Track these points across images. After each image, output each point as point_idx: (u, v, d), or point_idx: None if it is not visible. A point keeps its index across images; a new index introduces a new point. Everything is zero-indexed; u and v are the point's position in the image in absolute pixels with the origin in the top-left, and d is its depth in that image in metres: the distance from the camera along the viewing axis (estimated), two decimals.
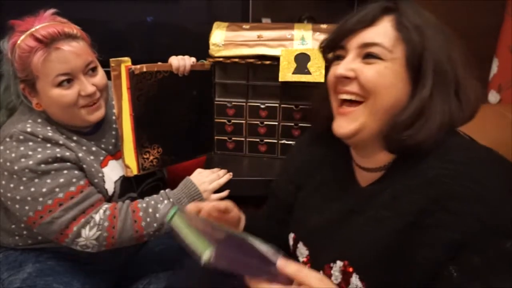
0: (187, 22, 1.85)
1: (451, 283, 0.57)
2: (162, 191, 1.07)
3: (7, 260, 1.07)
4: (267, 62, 1.18)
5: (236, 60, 1.19)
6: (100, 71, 1.03)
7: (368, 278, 0.67)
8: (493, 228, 0.55)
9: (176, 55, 1.14)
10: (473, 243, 0.56)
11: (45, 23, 0.95)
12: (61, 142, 0.98)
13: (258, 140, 1.28)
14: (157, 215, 1.01)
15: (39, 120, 1.00)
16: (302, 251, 0.82)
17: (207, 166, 1.19)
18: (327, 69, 0.77)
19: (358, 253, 0.69)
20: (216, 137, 1.29)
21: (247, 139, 1.28)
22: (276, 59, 1.16)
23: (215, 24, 1.25)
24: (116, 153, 1.11)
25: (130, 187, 1.11)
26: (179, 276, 0.98)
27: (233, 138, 1.28)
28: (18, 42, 0.94)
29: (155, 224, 1.01)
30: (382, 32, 0.66)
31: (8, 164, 0.94)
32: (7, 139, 0.95)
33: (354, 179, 0.77)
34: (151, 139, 1.11)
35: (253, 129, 1.26)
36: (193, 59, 1.16)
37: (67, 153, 0.98)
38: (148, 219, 1.01)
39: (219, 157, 1.29)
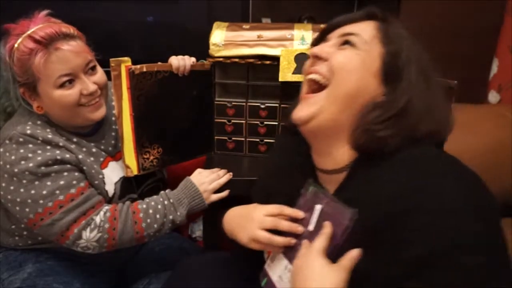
0: (187, 22, 1.85)
1: None
2: (162, 192, 1.07)
3: (7, 260, 1.07)
4: (267, 62, 1.18)
5: (236, 60, 1.19)
6: (99, 69, 1.03)
7: None
8: (456, 245, 0.54)
9: (176, 55, 1.14)
10: (436, 259, 0.54)
11: (40, 24, 0.95)
12: (61, 144, 0.98)
13: (258, 140, 1.27)
14: (157, 216, 1.02)
15: (39, 122, 1.00)
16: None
17: (207, 166, 1.19)
18: None
19: None
20: (216, 137, 1.29)
21: (247, 139, 1.28)
22: (276, 59, 1.16)
23: (215, 24, 1.25)
24: (116, 154, 1.11)
25: (130, 188, 1.11)
26: (179, 276, 0.98)
27: (233, 138, 1.28)
28: (16, 45, 0.93)
29: (155, 225, 1.01)
30: (364, 27, 0.70)
31: (8, 166, 0.94)
32: (7, 141, 0.95)
33: (316, 178, 0.76)
34: (151, 139, 1.11)
35: (253, 129, 1.26)
36: (193, 59, 1.16)
37: (67, 155, 0.98)
38: (148, 220, 1.01)
39: (219, 157, 1.29)
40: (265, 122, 1.25)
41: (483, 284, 0.53)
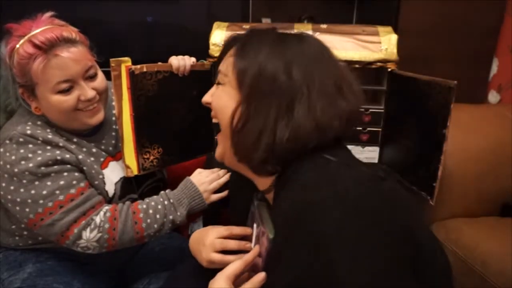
0: (187, 22, 1.85)
1: None
2: (162, 192, 1.07)
3: (7, 260, 1.07)
4: None
5: None
6: (100, 75, 1.03)
7: None
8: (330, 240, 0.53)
9: (176, 55, 1.14)
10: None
11: (43, 27, 0.94)
12: (61, 144, 0.98)
13: None
14: (157, 216, 1.02)
15: (39, 122, 1.00)
16: None
17: (207, 166, 1.18)
18: None
19: None
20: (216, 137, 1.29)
21: None
22: None
23: (215, 24, 1.25)
24: (116, 154, 1.11)
25: (130, 188, 1.12)
26: (178, 276, 0.98)
27: None
28: (17, 47, 0.93)
29: (155, 225, 1.01)
30: (226, 60, 0.73)
31: (8, 166, 0.94)
32: (7, 141, 0.95)
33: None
34: (152, 139, 1.11)
35: None
36: (193, 59, 1.16)
37: (67, 155, 0.98)
38: (148, 220, 1.01)
39: None
40: None
41: None
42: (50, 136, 0.98)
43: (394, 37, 1.16)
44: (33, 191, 0.94)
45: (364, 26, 1.23)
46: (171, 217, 1.03)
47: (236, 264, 0.68)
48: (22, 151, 0.94)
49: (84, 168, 1.01)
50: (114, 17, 1.81)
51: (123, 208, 1.01)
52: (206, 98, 0.77)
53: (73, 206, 0.96)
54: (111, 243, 0.99)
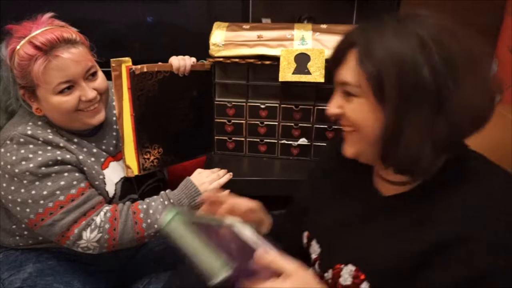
0: (187, 22, 1.85)
1: None
2: (162, 192, 1.07)
3: (7, 260, 1.07)
4: (267, 62, 1.18)
5: (236, 60, 1.19)
6: (100, 75, 1.03)
7: None
8: (503, 276, 0.57)
9: (176, 55, 1.14)
10: (484, 284, 0.57)
11: (43, 28, 0.94)
12: (61, 144, 0.98)
13: (258, 140, 1.28)
14: (158, 216, 1.02)
15: (40, 123, 1.00)
16: (315, 248, 0.82)
17: (207, 166, 1.19)
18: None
19: (372, 263, 0.70)
20: (216, 137, 1.29)
21: (247, 139, 1.28)
22: (276, 59, 1.16)
23: (215, 24, 1.25)
24: (117, 154, 1.11)
25: (131, 188, 1.12)
26: (179, 276, 0.98)
27: (233, 138, 1.28)
28: (17, 48, 0.93)
29: (155, 225, 1.01)
30: (350, 70, 0.67)
31: (8, 167, 0.94)
32: (8, 142, 0.95)
33: (374, 185, 0.78)
34: (152, 139, 1.11)
35: (253, 129, 1.26)
36: (193, 59, 1.16)
37: (68, 156, 0.98)
38: (148, 221, 1.01)
39: (219, 157, 1.29)
40: (265, 122, 1.25)
41: None
42: (50, 137, 0.98)
43: None
44: (33, 192, 0.94)
45: None
46: None
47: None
48: (22, 151, 0.94)
49: (85, 168, 1.01)
50: (114, 17, 1.81)
51: (124, 208, 1.01)
52: (334, 110, 0.71)
53: (74, 206, 0.96)
54: (111, 243, 0.99)
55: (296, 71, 1.14)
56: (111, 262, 1.16)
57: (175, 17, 1.84)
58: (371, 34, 0.65)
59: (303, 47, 1.17)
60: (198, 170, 1.12)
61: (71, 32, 0.97)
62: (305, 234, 0.86)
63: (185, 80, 1.14)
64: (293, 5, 1.86)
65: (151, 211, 1.02)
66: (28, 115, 1.01)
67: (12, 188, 0.95)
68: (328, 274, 0.76)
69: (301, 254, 0.81)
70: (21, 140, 0.95)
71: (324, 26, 1.22)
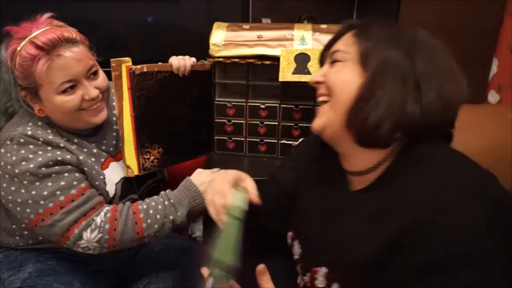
0: (187, 22, 1.85)
1: None
2: (162, 192, 1.07)
3: (7, 260, 1.07)
4: (267, 62, 1.18)
5: (236, 60, 1.19)
6: (101, 73, 1.03)
7: None
8: (465, 258, 0.56)
9: (176, 55, 1.14)
10: (441, 267, 0.57)
11: (43, 28, 0.94)
12: (61, 145, 0.98)
13: (258, 140, 1.28)
14: (158, 216, 1.02)
15: (40, 123, 1.00)
16: (297, 249, 0.83)
17: (207, 166, 1.19)
18: None
19: (341, 263, 0.71)
20: (216, 137, 1.29)
21: (247, 139, 1.28)
22: (276, 59, 1.16)
23: (215, 24, 1.25)
24: (117, 154, 1.11)
25: (131, 188, 1.12)
26: (180, 276, 0.98)
27: (233, 138, 1.28)
28: (18, 49, 0.93)
29: (156, 226, 1.01)
30: (344, 40, 0.74)
31: (9, 167, 0.94)
32: (8, 142, 0.95)
33: (346, 181, 0.79)
34: (152, 139, 1.12)
35: (253, 129, 1.26)
36: (193, 59, 1.16)
37: (68, 156, 0.98)
38: (149, 221, 1.01)
39: (219, 157, 1.29)
40: (265, 122, 1.25)
41: None
42: (50, 137, 0.98)
43: None
44: (33, 192, 0.94)
45: None
46: (171, 217, 1.03)
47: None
48: (22, 151, 0.94)
49: (85, 168, 1.01)
50: (114, 17, 1.81)
51: (124, 208, 1.01)
52: (317, 78, 0.76)
53: (74, 206, 0.96)
54: (111, 243, 0.99)
55: (296, 71, 1.14)
56: (111, 262, 1.16)
57: (175, 17, 1.84)
58: (372, 23, 0.73)
59: (303, 47, 1.17)
60: (198, 170, 1.12)
61: (71, 32, 0.97)
62: (290, 234, 0.86)
63: (185, 80, 1.14)
64: (293, 5, 1.86)
65: (151, 211, 1.02)
66: (28, 116, 1.01)
67: (12, 188, 0.94)
68: (307, 278, 0.78)
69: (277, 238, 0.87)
70: (21, 140, 0.95)
71: (324, 26, 1.22)
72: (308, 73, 1.14)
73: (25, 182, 0.94)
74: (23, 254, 1.08)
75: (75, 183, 0.97)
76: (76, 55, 0.95)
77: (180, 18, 1.84)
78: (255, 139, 1.28)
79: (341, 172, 0.79)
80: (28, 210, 0.94)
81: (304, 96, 1.21)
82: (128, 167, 1.09)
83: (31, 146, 0.95)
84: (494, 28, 1.74)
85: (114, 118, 1.11)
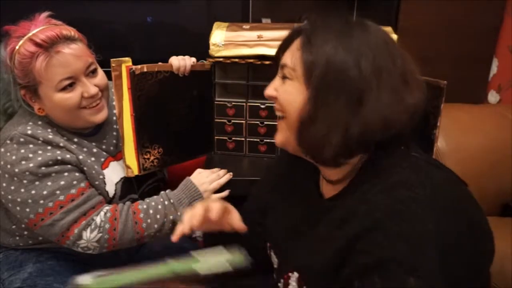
0: (187, 22, 1.84)
1: None
2: (162, 192, 1.07)
3: (7, 260, 1.07)
4: (267, 62, 1.18)
5: (236, 60, 1.19)
6: (100, 71, 1.03)
7: None
8: (406, 264, 0.59)
9: (177, 55, 1.14)
10: (382, 270, 0.60)
11: (41, 26, 0.94)
12: (61, 144, 0.98)
13: (258, 140, 1.28)
14: (158, 216, 1.02)
15: (40, 123, 1.00)
16: (274, 259, 0.85)
17: (207, 166, 1.19)
18: None
19: (309, 268, 0.72)
20: (216, 137, 1.29)
21: (247, 139, 1.28)
22: None
23: (215, 24, 1.25)
24: (117, 154, 1.11)
25: (131, 188, 1.12)
26: None
27: (233, 138, 1.28)
28: (17, 47, 0.93)
29: (156, 225, 1.01)
30: (291, 54, 0.71)
31: (8, 166, 0.94)
32: (8, 141, 0.95)
33: (319, 190, 0.80)
34: (152, 139, 1.12)
35: (253, 129, 1.26)
36: (193, 59, 1.16)
37: (68, 156, 0.98)
38: (149, 221, 1.01)
39: (219, 157, 1.29)
40: (265, 122, 1.25)
41: None
42: (50, 136, 0.98)
43: (394, 37, 1.16)
44: (33, 191, 0.94)
45: None
46: (171, 217, 1.03)
47: None
48: (22, 151, 0.94)
49: (85, 168, 1.01)
50: (114, 17, 1.81)
51: (124, 208, 1.01)
52: (270, 92, 0.74)
53: (74, 206, 0.96)
54: (111, 243, 0.99)
55: None
56: (111, 262, 1.16)
57: (175, 17, 1.84)
58: (318, 28, 0.69)
59: None
60: (198, 170, 1.12)
61: (70, 30, 0.97)
62: (268, 245, 0.88)
63: (185, 80, 1.14)
64: (293, 5, 1.86)
65: (151, 211, 1.02)
66: (28, 115, 1.01)
67: (12, 188, 0.94)
68: (281, 284, 0.79)
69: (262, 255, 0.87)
70: (21, 139, 0.95)
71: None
72: None
73: (24, 181, 0.94)
74: (23, 254, 1.08)
75: (75, 182, 0.97)
76: (75, 52, 0.95)
77: (180, 18, 1.84)
78: (255, 139, 1.27)
79: (314, 181, 0.81)
80: (27, 210, 0.94)
81: None
82: (128, 167, 1.09)
83: (31, 146, 0.95)
84: (494, 28, 1.74)
85: (114, 118, 1.11)
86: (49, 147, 0.97)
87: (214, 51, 1.20)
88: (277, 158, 0.98)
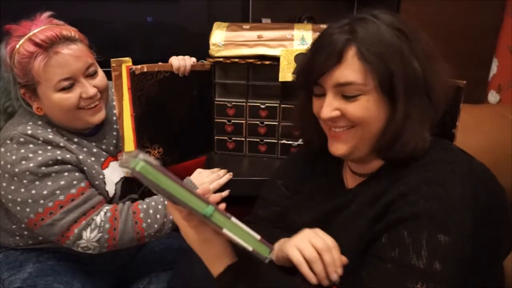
0: (187, 22, 1.84)
1: (378, 248, 0.65)
2: None
3: (7, 260, 1.07)
4: (267, 62, 1.18)
5: (236, 60, 1.19)
6: (100, 72, 1.03)
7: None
8: (438, 220, 0.61)
9: (177, 55, 1.15)
10: (413, 223, 0.62)
11: (42, 26, 0.95)
12: (61, 144, 0.98)
13: (258, 140, 1.28)
14: (158, 216, 1.02)
15: (40, 122, 1.00)
16: None
17: (207, 166, 1.19)
18: None
19: (340, 247, 0.72)
20: (216, 137, 1.29)
21: (247, 139, 1.28)
22: (276, 59, 1.16)
23: (215, 24, 1.25)
24: (117, 154, 1.11)
25: (131, 188, 1.12)
26: (180, 276, 0.98)
27: (233, 138, 1.28)
28: (17, 47, 0.93)
29: (156, 225, 1.01)
30: (352, 69, 0.68)
31: (8, 166, 0.94)
32: (8, 141, 0.95)
33: (342, 182, 0.83)
34: (152, 139, 1.12)
35: (253, 129, 1.26)
36: (193, 59, 1.16)
37: (68, 156, 0.98)
38: (149, 220, 1.01)
39: (219, 157, 1.29)
40: (265, 122, 1.25)
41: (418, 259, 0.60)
42: (50, 136, 0.98)
43: None
44: (33, 191, 0.94)
45: None
46: (171, 217, 1.03)
47: None
48: (22, 151, 0.94)
49: (85, 168, 1.01)
50: (114, 17, 1.81)
51: (124, 208, 1.01)
52: (331, 113, 0.71)
53: (74, 206, 0.96)
54: (111, 243, 0.99)
55: None
56: (111, 262, 1.16)
57: (175, 17, 1.84)
58: (362, 30, 0.68)
59: (303, 47, 1.17)
60: (198, 170, 1.12)
61: (70, 30, 0.97)
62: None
63: (185, 80, 1.14)
64: (293, 5, 1.86)
65: (151, 211, 1.02)
66: (28, 115, 1.01)
67: (12, 187, 0.95)
68: None
69: None
70: (21, 139, 0.95)
71: (324, 26, 1.22)
72: None
73: (25, 181, 0.94)
74: (23, 254, 1.08)
75: (75, 182, 0.97)
76: (74, 53, 0.95)
77: (180, 18, 1.84)
78: (255, 139, 1.28)
79: (336, 175, 0.83)
80: (27, 210, 0.94)
81: None
82: None
83: (31, 145, 0.95)
84: (494, 28, 1.74)
85: (114, 118, 1.12)
86: (49, 147, 0.97)
87: (214, 51, 1.20)
88: (286, 165, 0.99)
